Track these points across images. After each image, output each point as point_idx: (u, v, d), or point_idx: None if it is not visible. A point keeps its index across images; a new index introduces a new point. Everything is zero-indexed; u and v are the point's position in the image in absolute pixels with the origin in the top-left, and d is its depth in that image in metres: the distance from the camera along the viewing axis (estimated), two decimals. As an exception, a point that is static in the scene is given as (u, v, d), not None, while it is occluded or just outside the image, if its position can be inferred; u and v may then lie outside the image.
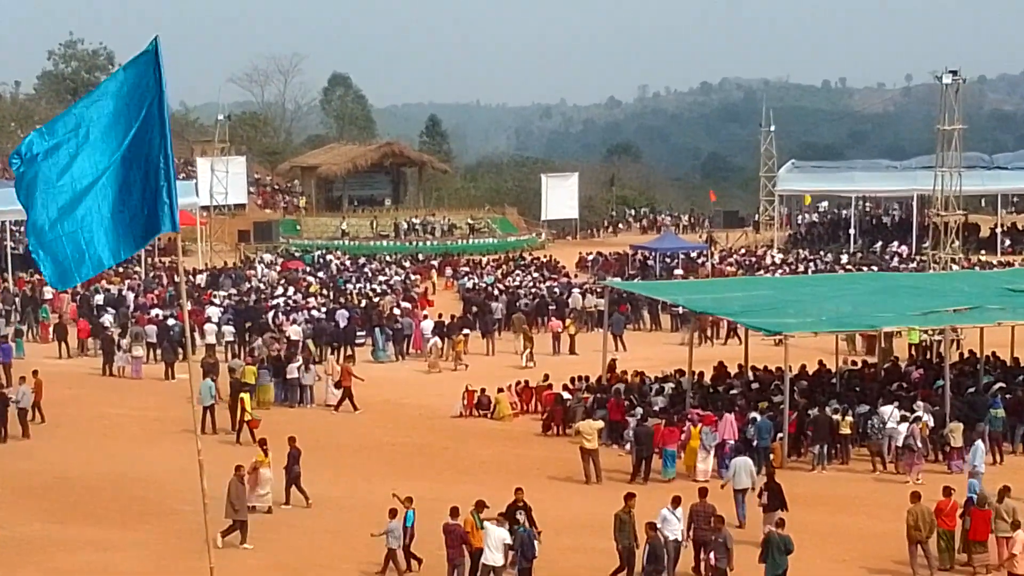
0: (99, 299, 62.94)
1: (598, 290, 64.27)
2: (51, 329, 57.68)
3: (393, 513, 26.46)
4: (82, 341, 55.08)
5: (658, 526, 25.28)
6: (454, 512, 25.22)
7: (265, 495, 30.87)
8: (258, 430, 37.46)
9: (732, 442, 35.50)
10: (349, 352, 52.69)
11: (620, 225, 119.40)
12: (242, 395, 39.63)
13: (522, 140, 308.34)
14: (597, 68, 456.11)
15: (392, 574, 26.28)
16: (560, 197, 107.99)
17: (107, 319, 54.87)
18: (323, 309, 59.80)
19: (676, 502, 26.34)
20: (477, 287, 71.54)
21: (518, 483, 28.03)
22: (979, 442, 33.42)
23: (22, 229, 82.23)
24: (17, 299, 63.58)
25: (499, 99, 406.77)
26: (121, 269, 77.05)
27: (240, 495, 27.80)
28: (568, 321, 59.20)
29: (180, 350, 50.34)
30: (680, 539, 26.06)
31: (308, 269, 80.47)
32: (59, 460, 35.72)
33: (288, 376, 45.75)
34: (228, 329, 55.16)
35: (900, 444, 35.58)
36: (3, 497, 32.31)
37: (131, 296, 64.66)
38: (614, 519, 25.61)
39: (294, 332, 53.98)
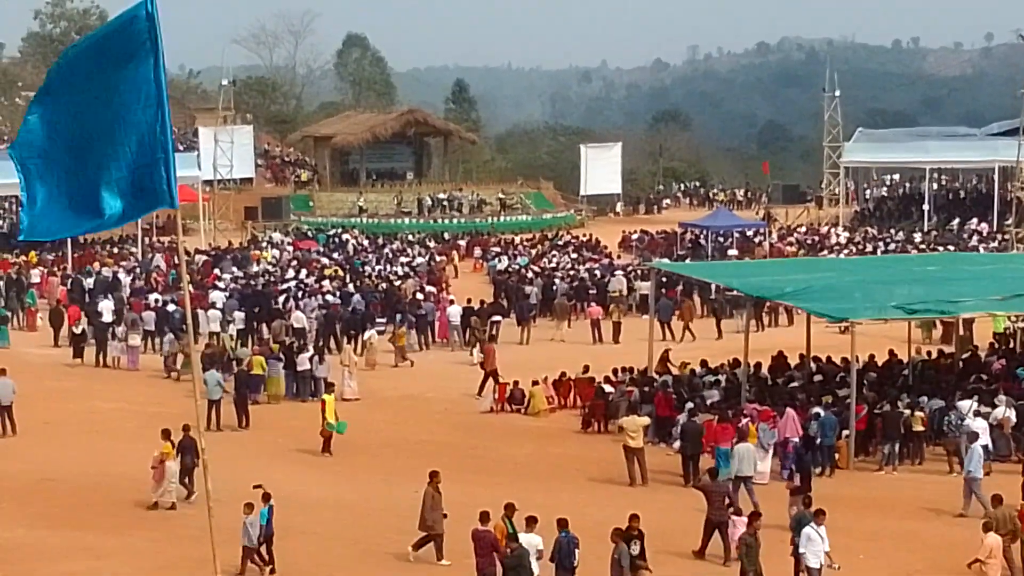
0: (89, 283, 62.96)
1: (643, 272, 64.10)
2: (40, 316, 57.79)
3: (250, 508, 26.70)
4: (70, 328, 55.16)
5: (801, 547, 24.88)
6: (484, 517, 25.12)
7: (170, 490, 31.32)
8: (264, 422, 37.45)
9: (795, 441, 35.38)
10: (493, 332, 54.76)
11: (667, 201, 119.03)
12: (325, 397, 38.92)
13: (558, 107, 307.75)
14: (642, 27, 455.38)
15: (253, 573, 26.49)
16: (601, 170, 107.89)
17: (105, 306, 54.75)
18: (338, 294, 59.78)
19: (820, 516, 25.60)
20: (509, 269, 71.41)
21: (554, 485, 28.01)
22: (976, 445, 32.90)
23: (5, 206, 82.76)
24: (1, 283, 63.56)
25: (532, 62, 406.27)
26: (116, 251, 77.36)
27: (435, 506, 27.30)
28: (611, 307, 59.12)
29: (182, 338, 50.51)
30: (823, 564, 25.17)
31: (322, 250, 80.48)
32: (46, 459, 35.76)
33: (299, 367, 45.73)
34: (238, 315, 55.17)
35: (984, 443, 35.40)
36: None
37: (126, 280, 64.67)
38: (739, 543, 25.14)
39: (299, 319, 54.00)
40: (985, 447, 34.93)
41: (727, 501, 28.55)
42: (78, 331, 51.98)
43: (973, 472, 31.73)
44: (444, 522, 27.12)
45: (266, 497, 27.30)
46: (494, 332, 55.80)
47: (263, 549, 26.93)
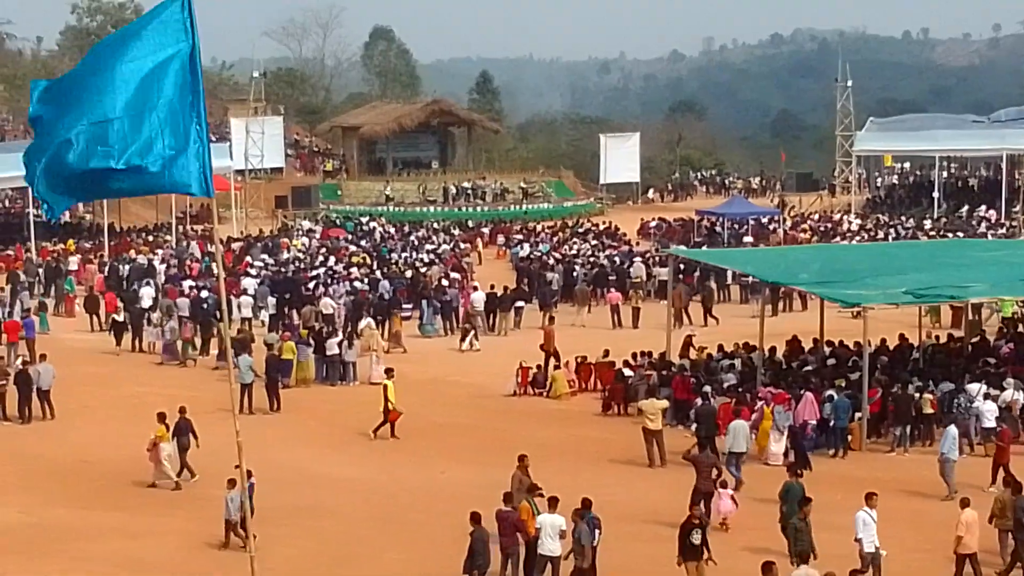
0: (125, 270, 63.12)
1: (661, 259, 64.00)
2: (78, 302, 57.90)
3: (232, 484, 26.83)
4: (109, 315, 55.21)
5: (858, 534, 24.71)
6: (507, 498, 25.14)
7: (167, 470, 31.83)
8: (297, 403, 37.43)
9: (813, 423, 35.34)
10: (516, 317, 55.83)
11: (689, 193, 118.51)
12: (386, 383, 38.73)
13: (578, 98, 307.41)
14: (659, 19, 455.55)
15: (237, 545, 26.59)
16: (620, 159, 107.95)
17: (145, 292, 54.83)
18: (366, 280, 59.80)
19: (872, 499, 25.42)
20: (531, 256, 71.36)
21: (576, 466, 27.95)
22: (951, 427, 32.94)
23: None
24: (40, 270, 63.76)
25: (553, 53, 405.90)
26: (151, 239, 77.56)
27: (522, 488, 26.93)
28: (632, 293, 59.06)
29: (216, 324, 50.61)
30: (878, 548, 24.87)
31: (350, 237, 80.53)
32: (84, 442, 35.88)
33: (328, 352, 45.78)
34: (271, 301, 55.23)
35: (989, 425, 35.34)
36: (26, 482, 32.52)
37: (161, 267, 64.80)
38: (788, 528, 24.85)
39: (326, 305, 54.04)
40: (992, 429, 34.99)
41: (715, 472, 29.19)
42: (120, 318, 52.04)
43: (947, 454, 31.78)
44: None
45: (248, 474, 27.28)
46: (517, 318, 55.92)
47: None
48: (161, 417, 32.71)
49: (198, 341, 49.60)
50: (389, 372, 39.29)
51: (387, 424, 38.00)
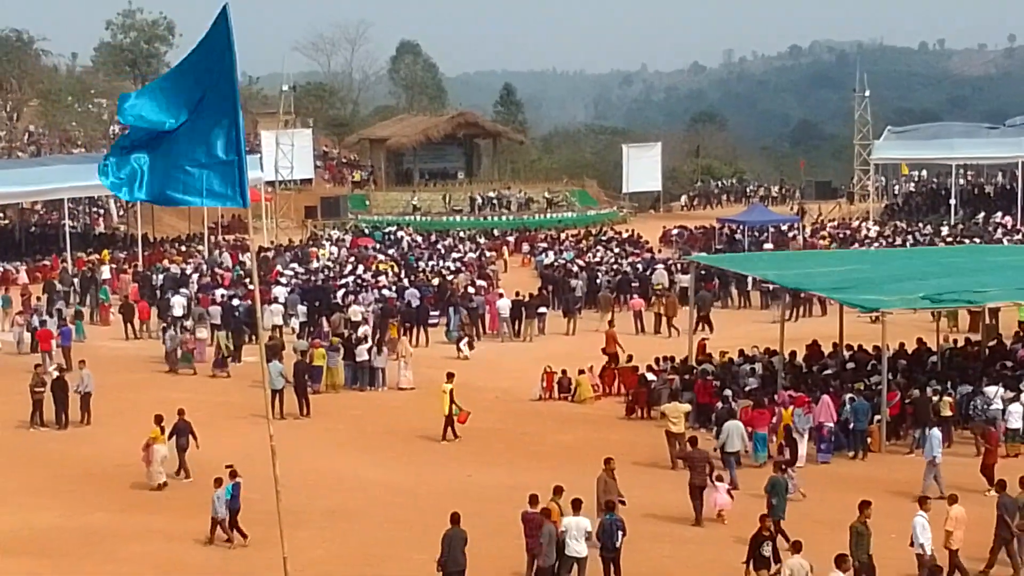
0: (159, 279, 63.29)
1: (683, 266, 63.95)
2: (113, 310, 58.09)
3: (218, 483, 27.70)
4: (143, 323, 55.37)
5: (919, 539, 24.45)
6: (533, 500, 25.11)
7: (160, 471, 32.37)
8: (320, 408, 37.44)
9: (831, 425, 35.26)
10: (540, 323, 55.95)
11: (711, 202, 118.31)
12: (445, 386, 38.75)
13: (601, 109, 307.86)
14: (680, 32, 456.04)
15: (221, 542, 27.51)
16: (642, 168, 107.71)
17: (177, 301, 54.94)
18: (393, 288, 59.86)
19: (926, 504, 25.40)
20: (556, 264, 71.35)
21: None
22: (935, 430, 32.84)
23: (80, 207, 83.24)
24: (76, 279, 64.01)
25: (576, 66, 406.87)
26: (184, 248, 77.81)
27: (608, 490, 27.07)
28: (656, 300, 58.95)
29: (247, 331, 50.74)
30: (931, 553, 24.60)
31: (378, 246, 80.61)
32: (121, 447, 35.91)
33: (358, 358, 45.83)
34: (301, 309, 55.31)
35: (1011, 426, 35.29)
36: (64, 486, 32.59)
37: (194, 276, 64.96)
38: (849, 531, 24.39)
39: (355, 312, 54.09)
40: (1016, 431, 34.97)
41: (709, 467, 29.52)
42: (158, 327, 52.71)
43: (935, 455, 31.72)
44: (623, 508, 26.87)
45: (233, 474, 28.16)
46: (541, 324, 55.98)
47: (227, 521, 27.86)
48: (157, 419, 33.17)
49: (210, 351, 49.76)
50: (450, 376, 39.36)
51: (451, 426, 38.36)
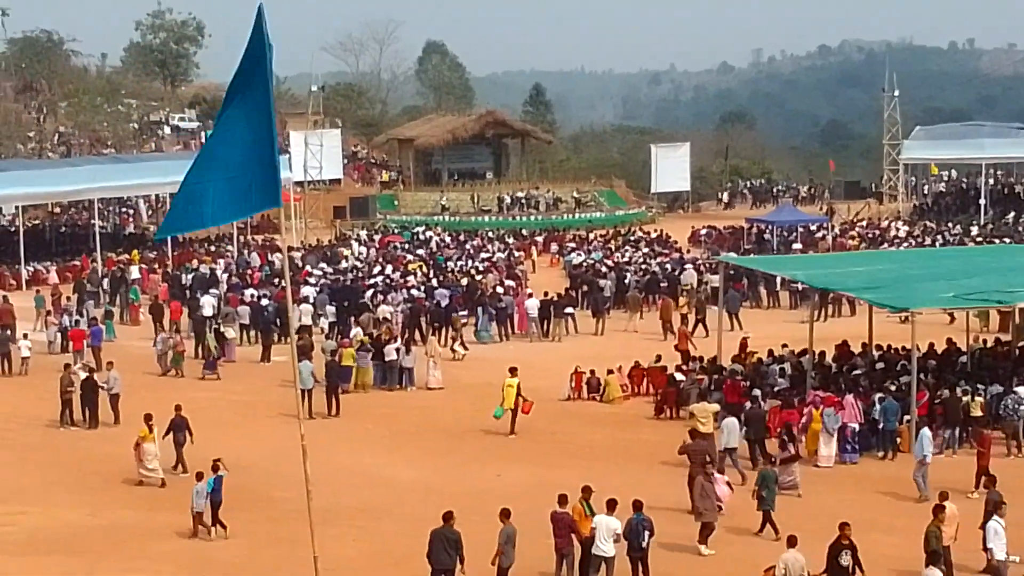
0: (188, 279, 63.46)
1: (712, 266, 63.90)
2: (143, 310, 58.29)
3: (200, 476, 28.45)
4: (174, 323, 55.48)
5: (989, 543, 24.22)
6: (562, 500, 25.09)
7: (153, 469, 32.79)
8: (350, 408, 37.48)
9: (854, 426, 35.18)
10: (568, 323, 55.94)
11: (734, 199, 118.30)
12: (511, 380, 38.99)
13: (629, 109, 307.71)
14: (708, 32, 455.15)
15: (203, 535, 28.16)
16: (670, 168, 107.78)
17: (207, 301, 54.97)
18: (422, 288, 59.92)
19: (1001, 508, 24.97)
20: (584, 264, 71.32)
21: (629, 468, 27.96)
22: (925, 429, 32.73)
23: (109, 208, 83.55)
24: (106, 280, 64.22)
25: (605, 66, 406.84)
26: (213, 248, 77.98)
27: (705, 494, 27.12)
28: (683, 300, 58.87)
29: (276, 331, 50.84)
30: (1008, 556, 24.50)
31: (407, 246, 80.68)
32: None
33: (387, 358, 45.88)
34: (330, 309, 55.37)
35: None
36: (93, 484, 32.72)
37: (223, 276, 65.11)
38: (928, 533, 24.12)
39: (384, 312, 54.15)
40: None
41: (707, 459, 29.62)
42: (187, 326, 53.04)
43: (924, 455, 31.69)
44: (715, 513, 27.05)
45: (215, 468, 28.75)
46: (571, 324, 56.00)
47: (206, 515, 28.41)
48: (147, 418, 33.54)
49: (239, 351, 49.93)
50: (513, 371, 39.55)
51: (516, 418, 38.98)
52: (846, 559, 23.08)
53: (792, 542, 23.17)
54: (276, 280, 62.15)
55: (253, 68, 18.16)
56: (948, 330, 45.41)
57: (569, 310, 56.63)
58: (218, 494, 28.48)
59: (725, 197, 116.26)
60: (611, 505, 24.87)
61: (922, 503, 29.96)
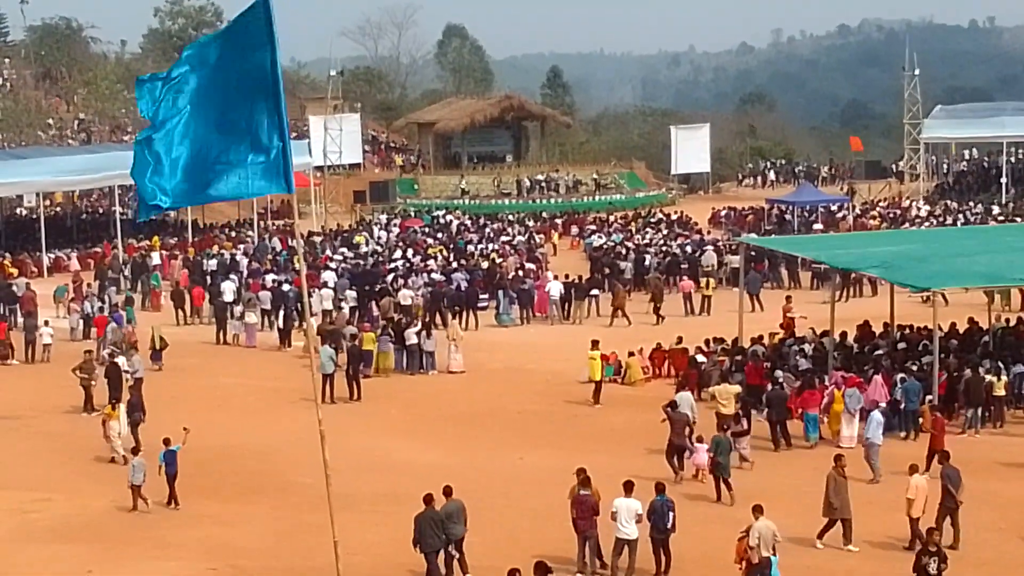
0: (212, 264, 63.60)
1: (732, 247, 63.78)
2: (164, 296, 58.39)
3: (135, 451, 30.73)
4: (196, 308, 55.60)
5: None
6: (585, 482, 25.12)
7: (117, 445, 33.84)
8: (359, 396, 37.55)
9: (883, 405, 35.07)
10: (591, 305, 56.57)
11: (757, 178, 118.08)
12: (593, 352, 40.80)
13: (648, 91, 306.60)
14: (727, 12, 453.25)
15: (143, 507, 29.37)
16: (690, 150, 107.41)
17: (227, 286, 54.93)
18: (442, 272, 59.91)
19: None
20: (605, 246, 71.22)
21: (650, 450, 27.88)
22: (875, 412, 32.73)
23: (130, 194, 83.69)
24: (127, 266, 64.43)
25: (624, 48, 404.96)
26: (234, 234, 78.10)
27: (839, 490, 26.60)
28: (704, 280, 58.68)
29: (297, 316, 50.92)
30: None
31: (427, 230, 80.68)
32: (173, 432, 36.07)
33: (408, 342, 45.89)
34: (350, 294, 55.34)
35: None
36: (118, 472, 32.78)
37: (244, 261, 65.21)
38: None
39: (405, 296, 54.15)
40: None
41: (688, 429, 31.41)
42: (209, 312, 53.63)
43: (871, 439, 31.81)
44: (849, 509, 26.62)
45: (166, 441, 29.93)
46: (594, 307, 55.96)
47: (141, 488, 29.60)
48: (112, 398, 35.49)
49: (260, 336, 49.99)
50: (595, 343, 41.27)
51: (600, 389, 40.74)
52: (933, 566, 22.37)
53: (759, 510, 23.74)
54: (296, 265, 62.18)
55: (249, 52, 17.94)
56: (970, 309, 45.24)
57: (594, 292, 56.56)
58: (173, 467, 29.62)
59: (752, 179, 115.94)
60: (628, 487, 24.91)
61: (874, 485, 30.42)
